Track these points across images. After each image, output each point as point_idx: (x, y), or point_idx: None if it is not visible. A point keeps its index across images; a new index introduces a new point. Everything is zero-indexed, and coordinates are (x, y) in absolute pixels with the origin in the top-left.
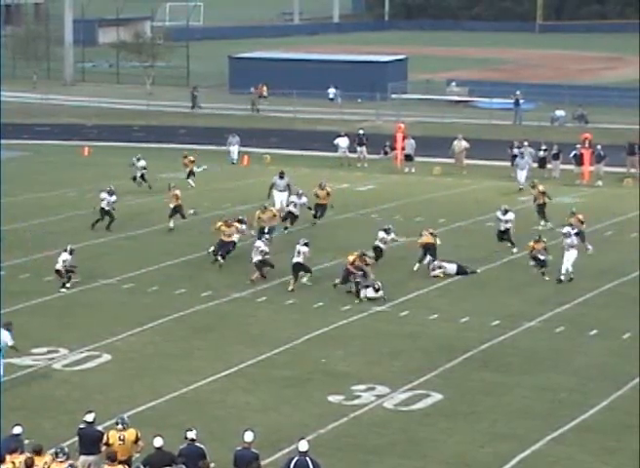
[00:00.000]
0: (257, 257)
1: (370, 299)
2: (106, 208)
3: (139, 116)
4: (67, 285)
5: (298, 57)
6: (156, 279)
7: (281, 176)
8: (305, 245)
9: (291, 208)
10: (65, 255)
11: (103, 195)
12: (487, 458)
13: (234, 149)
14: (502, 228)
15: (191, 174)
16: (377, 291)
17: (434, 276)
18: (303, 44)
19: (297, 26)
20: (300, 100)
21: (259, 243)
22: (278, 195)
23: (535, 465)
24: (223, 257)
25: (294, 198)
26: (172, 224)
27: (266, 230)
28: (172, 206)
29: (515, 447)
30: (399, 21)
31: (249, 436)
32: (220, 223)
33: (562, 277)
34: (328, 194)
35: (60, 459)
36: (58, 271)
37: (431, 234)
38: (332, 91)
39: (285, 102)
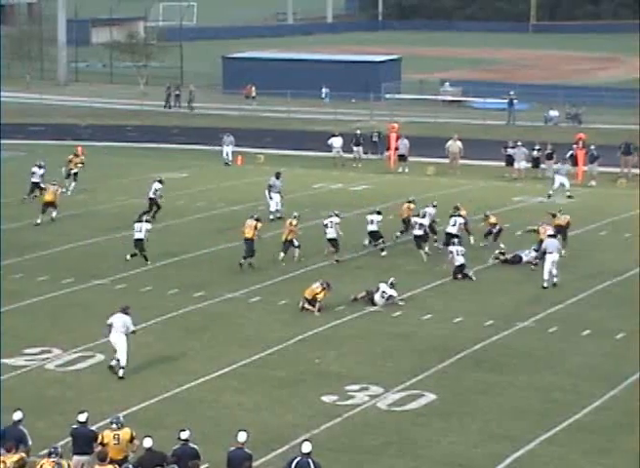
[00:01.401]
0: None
1: (388, 299)
2: (35, 180)
3: (132, 116)
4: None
5: (291, 57)
6: (149, 279)
7: (277, 177)
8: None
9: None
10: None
11: (34, 169)
12: (480, 458)
13: (228, 149)
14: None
15: (72, 175)
16: (392, 286)
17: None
18: (297, 44)
19: (290, 26)
20: (294, 100)
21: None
22: (275, 196)
23: (528, 465)
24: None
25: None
26: (39, 220)
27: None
28: (48, 199)
29: (509, 447)
30: (393, 22)
31: (242, 436)
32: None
33: (545, 283)
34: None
35: (52, 459)
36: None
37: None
38: (324, 90)
39: (279, 102)
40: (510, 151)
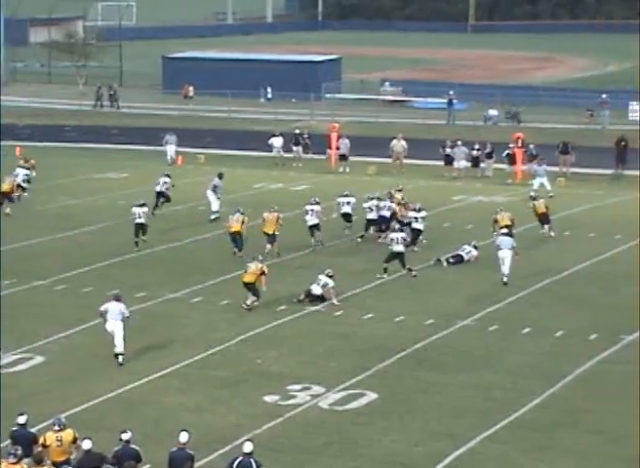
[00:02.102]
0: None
1: (324, 287)
2: None
3: (71, 116)
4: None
5: (231, 56)
6: (90, 280)
7: (220, 178)
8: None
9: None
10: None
11: None
12: (422, 457)
13: (171, 148)
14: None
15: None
16: (330, 277)
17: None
18: (237, 44)
19: (230, 26)
20: (234, 100)
21: None
22: (214, 195)
23: (469, 463)
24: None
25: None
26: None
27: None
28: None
29: (449, 445)
30: (332, 22)
31: (184, 437)
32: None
33: (505, 278)
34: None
35: (11, 460)
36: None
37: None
38: (269, 90)
39: (219, 102)
40: (449, 151)
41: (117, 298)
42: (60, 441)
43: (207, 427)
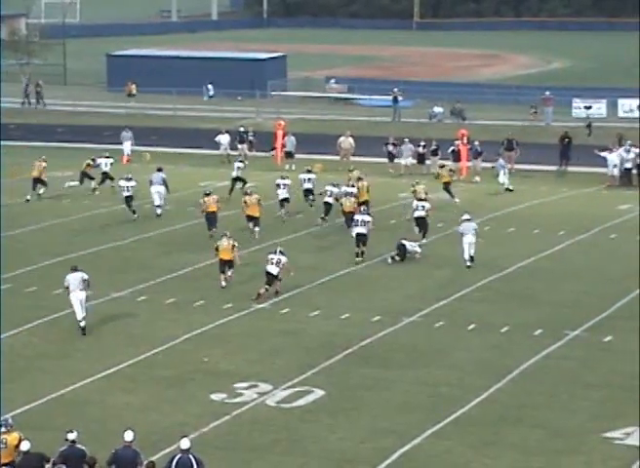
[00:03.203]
0: None
1: (278, 264)
2: None
3: (16, 114)
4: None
5: (176, 54)
6: (34, 279)
7: (159, 170)
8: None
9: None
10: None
11: None
12: (368, 453)
13: (127, 145)
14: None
15: (86, 176)
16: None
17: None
18: (182, 42)
19: (175, 24)
20: (179, 98)
21: None
22: (156, 188)
23: (415, 459)
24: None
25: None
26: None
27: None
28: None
29: (396, 441)
30: (278, 19)
31: (129, 435)
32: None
33: (468, 263)
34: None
35: None
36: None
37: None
38: (210, 87)
39: (164, 100)
40: (391, 148)
41: (75, 269)
42: (5, 443)
43: (153, 426)
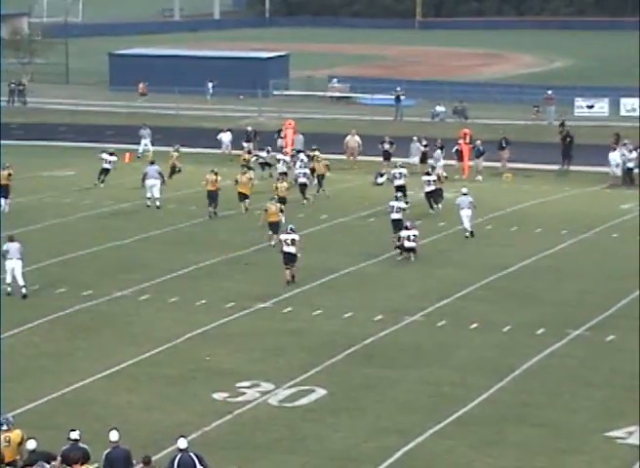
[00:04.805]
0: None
1: (292, 244)
2: None
3: (17, 114)
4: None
5: (178, 53)
6: (36, 278)
7: (152, 163)
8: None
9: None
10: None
11: None
12: (371, 453)
13: (146, 142)
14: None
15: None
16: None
17: None
18: (184, 41)
19: (177, 23)
20: (181, 97)
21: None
22: (151, 182)
23: (418, 458)
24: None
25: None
26: None
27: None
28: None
29: (399, 440)
30: (280, 18)
31: (114, 435)
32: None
33: (467, 234)
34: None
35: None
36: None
37: None
38: (210, 85)
39: (167, 99)
40: (387, 146)
41: (12, 239)
42: (9, 442)
43: (155, 425)
